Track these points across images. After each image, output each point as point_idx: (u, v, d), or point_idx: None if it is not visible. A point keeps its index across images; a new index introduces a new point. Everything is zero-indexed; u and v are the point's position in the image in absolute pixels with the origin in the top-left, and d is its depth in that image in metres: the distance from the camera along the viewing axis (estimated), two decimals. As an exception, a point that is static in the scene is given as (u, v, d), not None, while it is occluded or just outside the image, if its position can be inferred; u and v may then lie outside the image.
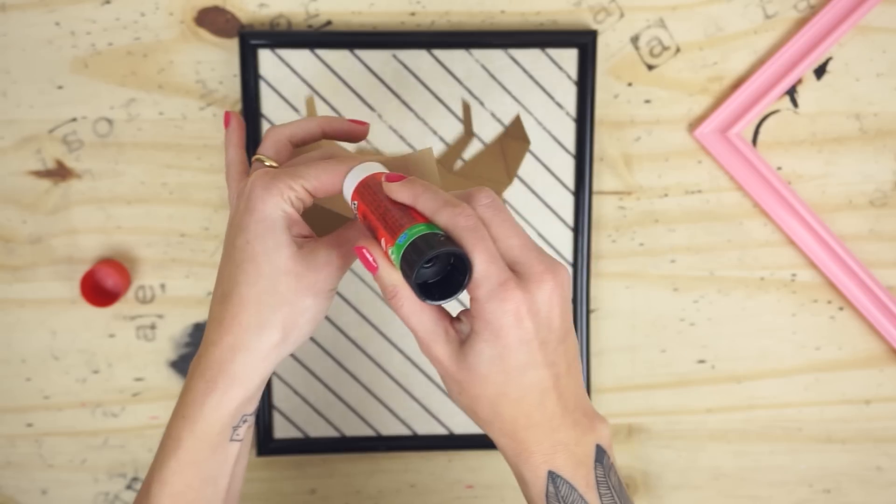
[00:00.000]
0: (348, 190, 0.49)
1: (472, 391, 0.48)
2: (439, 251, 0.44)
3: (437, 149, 0.71)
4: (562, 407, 0.49)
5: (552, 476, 0.50)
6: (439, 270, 0.47)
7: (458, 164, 0.71)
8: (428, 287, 0.46)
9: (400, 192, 0.48)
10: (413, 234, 0.45)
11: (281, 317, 0.49)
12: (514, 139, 0.71)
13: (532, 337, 0.47)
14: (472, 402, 0.49)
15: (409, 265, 0.45)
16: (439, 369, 0.50)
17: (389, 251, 0.46)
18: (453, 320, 0.49)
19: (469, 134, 0.71)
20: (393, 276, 0.47)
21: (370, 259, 0.48)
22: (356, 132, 0.55)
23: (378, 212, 0.47)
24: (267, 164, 0.52)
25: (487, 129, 0.71)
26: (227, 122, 0.56)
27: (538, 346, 0.47)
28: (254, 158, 0.53)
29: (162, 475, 0.51)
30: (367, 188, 0.49)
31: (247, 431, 0.52)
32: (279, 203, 0.49)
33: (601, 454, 0.50)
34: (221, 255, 0.51)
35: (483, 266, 0.46)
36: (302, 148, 0.55)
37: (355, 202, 0.49)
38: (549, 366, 0.48)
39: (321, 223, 0.54)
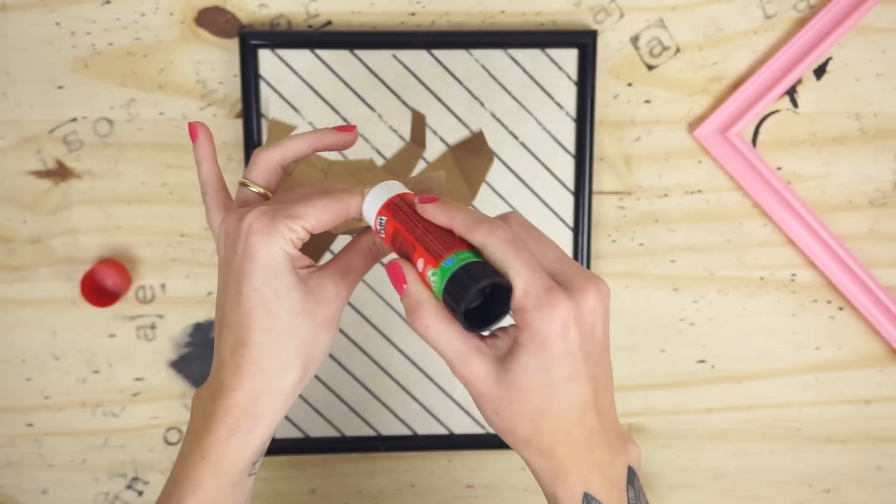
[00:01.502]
0: (371, 209, 0.49)
1: (513, 408, 0.48)
2: (492, 280, 0.44)
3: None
4: (599, 424, 0.49)
5: (587, 498, 0.49)
6: (473, 299, 0.46)
7: (411, 175, 0.70)
8: (465, 314, 0.45)
9: (436, 214, 0.47)
10: (462, 259, 0.45)
11: (301, 357, 0.49)
12: (473, 154, 0.70)
13: (577, 348, 0.47)
14: (511, 420, 0.48)
15: (460, 289, 0.44)
16: (473, 390, 0.49)
17: (429, 272, 0.46)
18: (483, 337, 0.48)
19: (420, 145, 0.70)
20: (422, 296, 0.47)
21: (403, 276, 0.47)
22: (345, 141, 0.54)
23: (415, 232, 0.47)
24: (254, 189, 0.51)
25: (487, 129, 0.71)
26: (193, 135, 0.54)
27: (582, 358, 0.47)
28: (240, 182, 0.52)
29: None
30: (399, 207, 0.48)
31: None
32: (283, 246, 0.48)
33: (632, 476, 0.50)
34: (222, 296, 0.50)
35: (527, 275, 0.46)
36: (295, 178, 0.54)
37: (383, 218, 0.48)
38: (590, 379, 0.48)
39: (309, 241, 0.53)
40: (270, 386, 0.49)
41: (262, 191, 0.52)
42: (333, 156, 0.70)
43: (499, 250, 0.46)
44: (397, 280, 0.48)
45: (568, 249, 0.72)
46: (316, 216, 0.49)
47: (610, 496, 0.49)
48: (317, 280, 0.50)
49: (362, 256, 0.51)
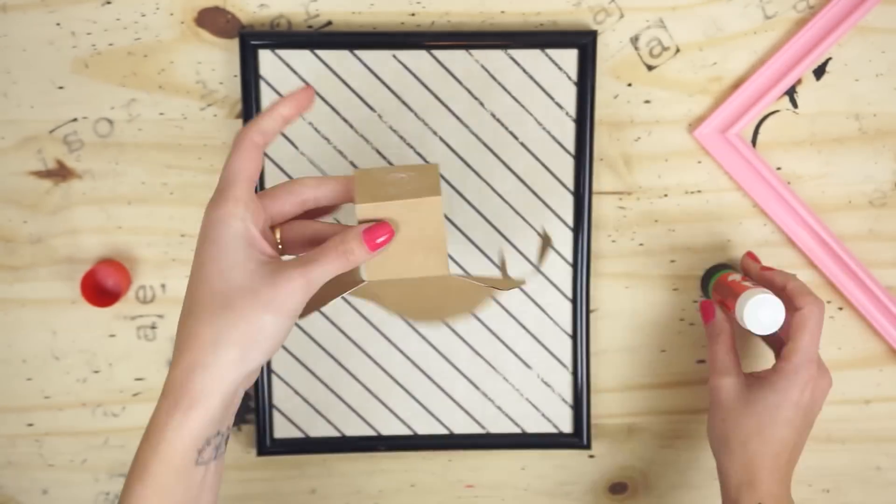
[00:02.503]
0: None
1: (738, 421, 0.65)
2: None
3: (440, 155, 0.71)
4: (787, 467, 0.65)
5: None
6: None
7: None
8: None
9: (774, 276, 0.68)
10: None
11: (237, 334, 0.48)
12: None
13: (803, 406, 0.65)
14: (731, 430, 0.65)
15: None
16: (715, 397, 0.67)
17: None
18: (740, 364, 0.68)
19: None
20: (725, 326, 0.69)
21: (713, 311, 0.69)
22: (307, 100, 0.54)
23: (732, 293, 0.66)
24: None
25: (487, 130, 0.71)
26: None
27: (802, 414, 0.65)
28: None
29: (129, 502, 0.49)
30: (720, 287, 0.70)
31: (216, 456, 0.50)
32: (237, 225, 0.50)
33: None
34: (191, 271, 0.51)
35: (810, 345, 0.65)
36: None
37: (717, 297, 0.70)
38: (798, 432, 0.65)
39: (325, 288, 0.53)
40: (204, 360, 0.48)
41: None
42: None
43: (811, 317, 0.64)
44: (708, 313, 0.70)
45: (568, 249, 0.72)
46: (275, 201, 0.53)
47: None
48: (274, 265, 0.50)
49: (330, 254, 0.51)
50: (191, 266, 0.51)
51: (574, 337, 0.73)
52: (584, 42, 0.69)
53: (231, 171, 0.51)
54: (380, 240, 0.51)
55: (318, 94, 0.70)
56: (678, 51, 0.71)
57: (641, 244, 0.74)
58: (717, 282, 0.70)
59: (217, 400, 0.49)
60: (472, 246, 0.72)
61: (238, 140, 0.52)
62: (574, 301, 0.73)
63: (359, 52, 0.70)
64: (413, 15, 0.70)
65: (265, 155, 0.70)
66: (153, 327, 0.74)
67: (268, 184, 0.71)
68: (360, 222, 0.51)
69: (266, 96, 0.70)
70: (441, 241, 0.52)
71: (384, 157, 0.71)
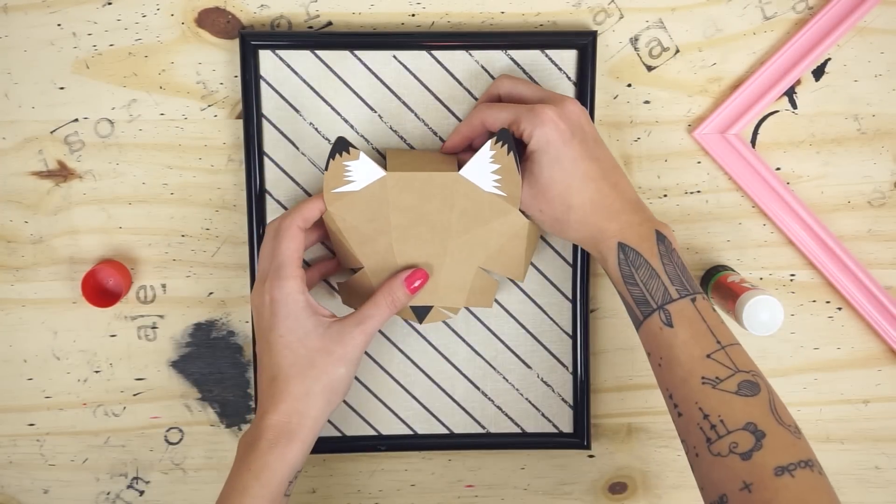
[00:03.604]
0: None
1: (547, 198, 0.63)
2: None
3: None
4: (619, 196, 0.62)
5: (621, 246, 0.61)
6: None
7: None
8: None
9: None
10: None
11: (321, 385, 0.62)
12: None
13: (570, 136, 0.62)
14: (550, 209, 0.63)
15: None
16: (524, 208, 0.65)
17: None
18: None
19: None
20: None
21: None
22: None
23: (732, 293, 0.67)
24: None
25: (487, 130, 0.71)
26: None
27: (579, 143, 0.62)
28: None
29: None
30: (720, 287, 0.69)
31: (288, 493, 0.62)
32: (297, 298, 0.63)
33: (661, 237, 0.61)
34: (258, 349, 0.64)
35: (514, 109, 0.63)
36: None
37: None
38: (594, 160, 0.62)
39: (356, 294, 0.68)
40: (299, 408, 0.61)
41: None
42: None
43: (484, 120, 0.65)
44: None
45: (568, 250, 0.73)
46: (316, 272, 0.70)
47: (641, 245, 0.61)
48: (337, 326, 0.63)
49: (382, 307, 0.64)
50: (260, 337, 0.63)
51: (574, 337, 0.73)
52: (583, 43, 0.69)
53: (284, 254, 0.63)
54: (416, 283, 0.66)
55: (318, 94, 0.70)
56: (678, 51, 0.72)
57: (641, 244, 0.74)
58: (717, 282, 0.70)
59: (311, 437, 0.62)
60: (472, 246, 0.72)
61: (285, 227, 0.64)
62: (574, 301, 0.73)
63: (359, 53, 0.70)
64: (413, 15, 0.70)
65: (265, 154, 0.70)
66: (154, 327, 0.74)
67: (268, 184, 0.71)
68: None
69: (266, 97, 0.70)
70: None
71: (384, 158, 0.71)
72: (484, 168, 0.65)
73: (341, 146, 0.64)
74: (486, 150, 0.64)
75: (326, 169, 0.65)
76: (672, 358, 0.58)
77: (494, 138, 0.64)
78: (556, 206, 0.63)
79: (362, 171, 0.65)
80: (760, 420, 0.55)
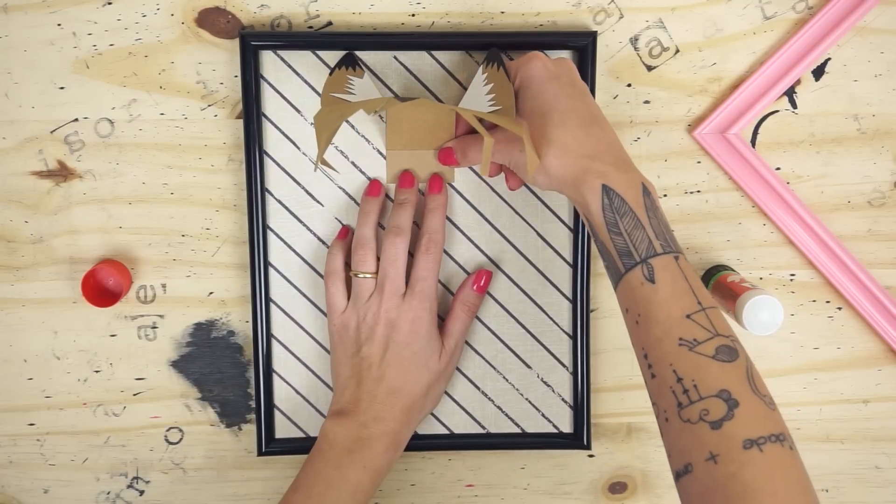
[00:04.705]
0: None
1: (531, 129, 0.61)
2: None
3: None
4: (604, 139, 0.60)
5: (606, 189, 0.57)
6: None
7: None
8: None
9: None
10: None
11: (433, 402, 0.71)
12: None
13: (557, 76, 0.62)
14: (535, 140, 0.60)
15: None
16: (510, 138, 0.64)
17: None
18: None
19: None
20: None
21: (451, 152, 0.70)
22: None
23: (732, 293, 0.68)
24: (368, 276, 0.69)
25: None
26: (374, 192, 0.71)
27: (566, 84, 0.62)
28: (352, 273, 0.69)
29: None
30: (720, 287, 0.70)
31: None
32: (434, 324, 0.69)
33: (647, 191, 0.58)
34: (387, 356, 0.67)
35: (516, 58, 0.65)
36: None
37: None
38: (581, 100, 0.61)
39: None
40: (412, 421, 0.68)
41: (373, 275, 0.68)
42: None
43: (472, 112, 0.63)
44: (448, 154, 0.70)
45: (568, 249, 0.73)
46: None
47: (627, 192, 0.57)
48: (448, 350, 0.70)
49: (463, 317, 0.71)
50: (389, 346, 0.67)
51: (574, 337, 0.73)
52: (583, 43, 0.69)
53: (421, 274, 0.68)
54: (482, 281, 0.71)
55: (318, 94, 0.70)
56: (678, 51, 0.72)
57: (641, 244, 0.74)
58: (717, 282, 0.70)
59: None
60: (472, 245, 0.72)
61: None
62: (574, 301, 0.73)
63: (359, 53, 0.70)
64: (413, 16, 0.70)
65: (266, 154, 0.70)
66: (154, 327, 0.74)
67: (269, 184, 0.71)
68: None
69: (267, 97, 0.70)
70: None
71: (385, 158, 0.71)
72: (479, 92, 0.65)
73: (349, 60, 0.66)
74: (479, 75, 0.65)
75: (331, 75, 0.66)
76: (650, 315, 0.55)
77: (485, 61, 0.66)
78: (540, 143, 0.60)
79: (364, 90, 0.66)
80: (735, 388, 0.52)
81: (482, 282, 0.71)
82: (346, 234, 0.71)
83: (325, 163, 0.69)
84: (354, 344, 0.68)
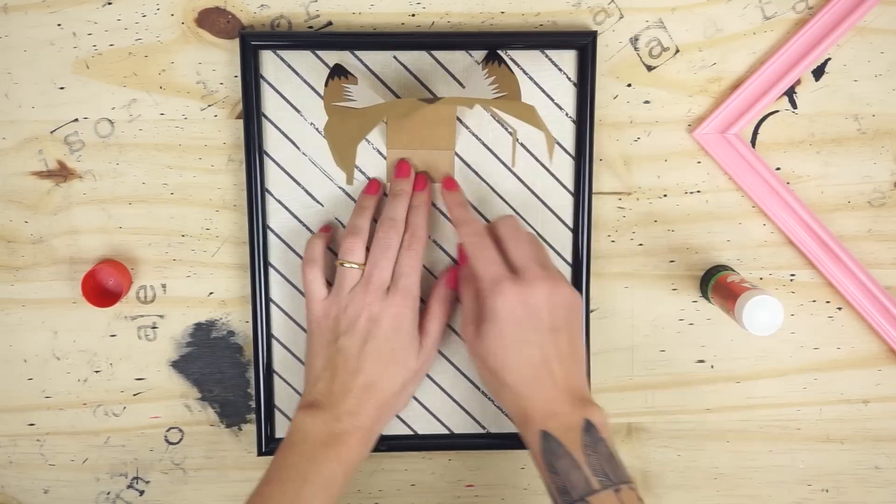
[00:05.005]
0: None
1: (486, 364, 0.64)
2: None
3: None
4: (553, 386, 0.62)
5: (544, 434, 0.61)
6: None
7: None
8: None
9: (451, 205, 0.69)
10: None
11: (406, 398, 0.71)
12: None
13: (522, 320, 0.62)
14: (487, 374, 0.65)
15: None
16: (469, 348, 0.67)
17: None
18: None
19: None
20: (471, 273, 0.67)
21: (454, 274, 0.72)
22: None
23: (732, 294, 0.67)
24: (355, 266, 0.68)
25: (487, 130, 0.71)
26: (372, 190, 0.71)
27: (529, 328, 0.62)
28: (338, 262, 0.68)
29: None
30: (720, 288, 0.70)
31: None
32: (414, 322, 0.68)
33: (590, 426, 0.61)
34: (366, 349, 0.66)
35: (482, 268, 0.64)
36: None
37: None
38: (538, 347, 0.63)
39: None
40: (384, 418, 0.68)
41: (360, 266, 0.68)
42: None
43: (469, 244, 0.66)
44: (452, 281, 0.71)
45: (568, 249, 0.73)
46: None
47: (565, 435, 0.60)
48: (426, 350, 0.69)
49: (440, 314, 0.70)
50: (364, 341, 0.66)
51: (574, 337, 0.73)
52: (583, 43, 0.69)
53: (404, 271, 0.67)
54: (454, 277, 0.71)
55: (319, 94, 0.70)
56: (678, 51, 0.72)
57: (641, 244, 0.74)
58: (717, 282, 0.70)
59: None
60: (472, 246, 0.72)
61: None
62: (574, 301, 0.73)
63: (359, 53, 0.70)
64: (413, 15, 0.70)
65: (266, 154, 0.70)
66: (154, 327, 0.74)
67: (269, 184, 0.71)
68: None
69: (267, 97, 0.70)
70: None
71: (385, 158, 0.71)
72: (481, 84, 0.65)
73: (338, 71, 0.66)
74: (479, 72, 0.66)
75: (326, 86, 0.67)
76: None
77: (484, 60, 0.67)
78: (491, 376, 0.64)
79: (362, 95, 0.67)
80: None
81: (454, 277, 0.71)
82: (330, 229, 0.71)
83: (351, 176, 0.70)
84: (332, 333, 0.67)
